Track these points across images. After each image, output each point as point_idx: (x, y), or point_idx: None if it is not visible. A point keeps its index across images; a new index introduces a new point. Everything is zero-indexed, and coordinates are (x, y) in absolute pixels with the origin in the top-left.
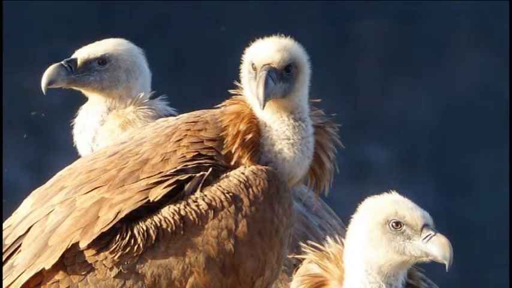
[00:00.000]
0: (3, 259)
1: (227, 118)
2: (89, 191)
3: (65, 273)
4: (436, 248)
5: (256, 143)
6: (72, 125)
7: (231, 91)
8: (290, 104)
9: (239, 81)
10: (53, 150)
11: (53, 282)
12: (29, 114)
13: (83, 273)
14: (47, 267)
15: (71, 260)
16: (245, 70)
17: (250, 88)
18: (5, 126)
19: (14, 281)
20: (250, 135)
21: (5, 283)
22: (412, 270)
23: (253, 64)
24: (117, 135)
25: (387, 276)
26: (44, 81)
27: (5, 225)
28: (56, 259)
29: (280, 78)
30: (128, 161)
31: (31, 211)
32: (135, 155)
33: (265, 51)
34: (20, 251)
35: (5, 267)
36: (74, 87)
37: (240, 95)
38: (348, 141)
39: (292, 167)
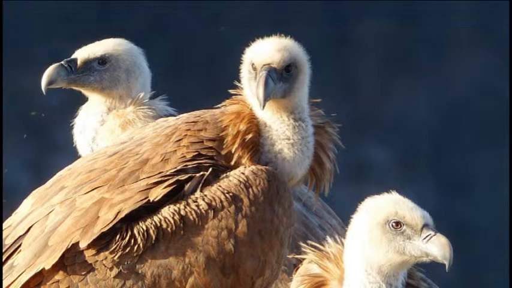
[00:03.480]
0: (3, 259)
1: (227, 118)
2: (89, 191)
3: (65, 273)
4: (436, 248)
5: (256, 143)
6: (72, 125)
7: (231, 91)
8: (290, 104)
9: (239, 81)
10: (53, 150)
11: (53, 282)
12: (29, 114)
13: (83, 273)
14: (47, 267)
15: (71, 260)
16: (245, 70)
17: (250, 88)
18: (5, 126)
19: (14, 281)
20: (250, 135)
21: (5, 283)
22: (412, 270)
23: (253, 64)
24: (117, 135)
25: (387, 276)
26: (44, 81)
27: (5, 225)
28: (56, 259)
29: (280, 78)
30: (128, 161)
31: (31, 211)
32: (135, 155)
33: (265, 51)
34: (20, 251)
35: (5, 267)
36: (74, 87)
37: (240, 95)
38: (348, 141)
39: (292, 167)
